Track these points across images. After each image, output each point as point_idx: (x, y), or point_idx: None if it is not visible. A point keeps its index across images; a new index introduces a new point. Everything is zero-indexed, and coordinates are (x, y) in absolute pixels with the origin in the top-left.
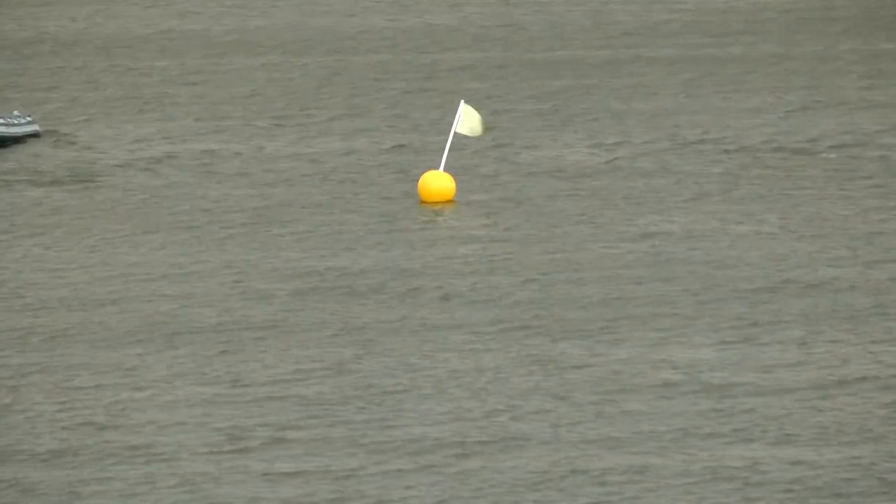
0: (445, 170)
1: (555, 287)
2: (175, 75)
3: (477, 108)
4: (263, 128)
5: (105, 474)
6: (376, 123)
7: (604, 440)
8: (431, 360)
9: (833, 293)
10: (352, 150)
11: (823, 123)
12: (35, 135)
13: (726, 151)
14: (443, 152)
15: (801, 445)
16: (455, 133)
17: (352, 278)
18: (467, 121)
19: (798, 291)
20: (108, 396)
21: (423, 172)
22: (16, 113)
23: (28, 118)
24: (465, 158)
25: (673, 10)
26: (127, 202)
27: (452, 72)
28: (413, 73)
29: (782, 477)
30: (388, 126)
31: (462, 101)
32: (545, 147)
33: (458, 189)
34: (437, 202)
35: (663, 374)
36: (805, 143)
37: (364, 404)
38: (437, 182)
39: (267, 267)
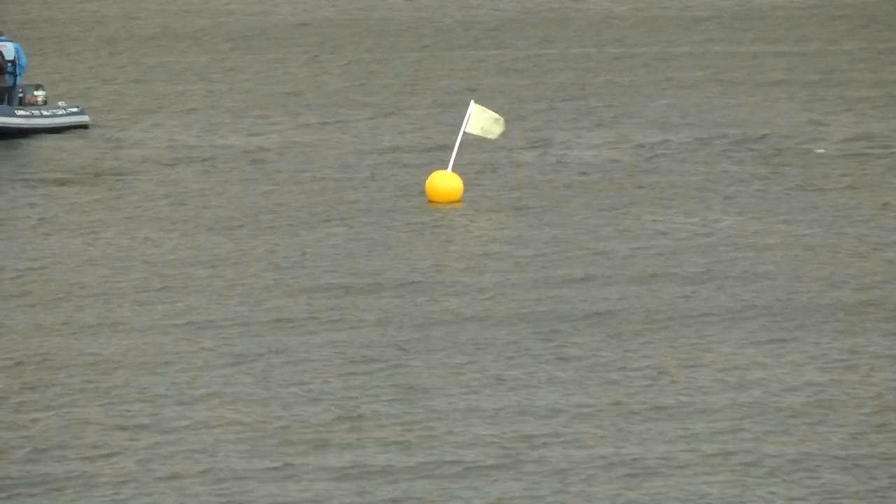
0: (456, 169)
1: (583, 289)
2: (216, 71)
3: (490, 108)
4: (300, 126)
5: (144, 471)
6: (410, 122)
7: (644, 448)
8: (468, 362)
9: (860, 295)
10: (386, 148)
11: (855, 123)
12: (83, 126)
13: (755, 151)
14: (458, 153)
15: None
16: (465, 133)
17: (381, 280)
18: (478, 121)
19: (828, 293)
20: (147, 394)
21: (437, 172)
22: (61, 104)
23: (75, 109)
24: (488, 157)
25: (710, 8)
26: (163, 199)
27: (480, 68)
28: (445, 69)
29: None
30: (420, 125)
31: (472, 101)
32: (572, 144)
33: (486, 188)
34: (444, 202)
35: (700, 383)
36: (836, 143)
37: (405, 406)
38: (444, 182)
39: (302, 268)
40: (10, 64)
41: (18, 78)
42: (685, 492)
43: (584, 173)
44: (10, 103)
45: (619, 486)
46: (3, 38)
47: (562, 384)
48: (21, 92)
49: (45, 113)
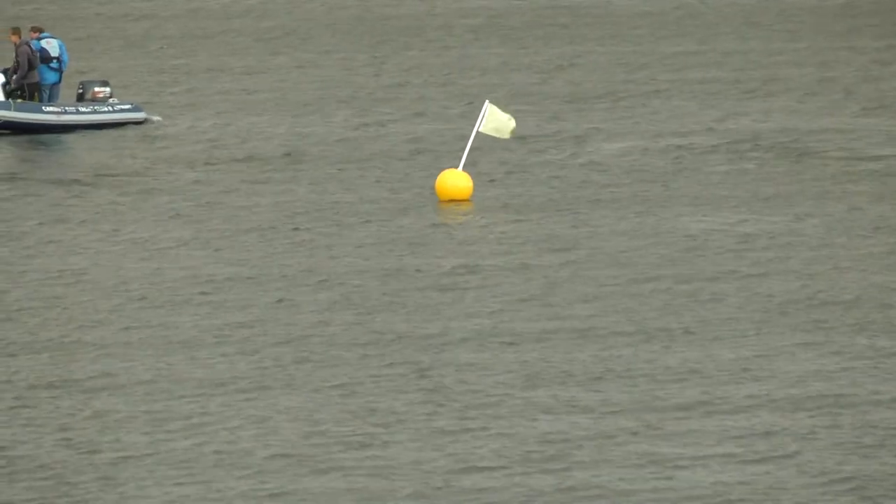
0: (469, 168)
1: (610, 290)
2: (261, 71)
3: (504, 109)
4: (333, 125)
5: (181, 481)
6: (426, 120)
7: (680, 451)
8: (508, 366)
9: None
10: (401, 147)
11: (883, 124)
12: (138, 122)
13: (782, 152)
14: (471, 152)
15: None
16: (479, 133)
17: (407, 285)
18: (492, 121)
19: (860, 295)
20: (187, 404)
21: (450, 172)
22: (111, 100)
23: (127, 105)
24: (504, 157)
25: (738, 6)
26: (188, 202)
27: (498, 67)
28: (463, 67)
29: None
30: (437, 123)
31: (487, 101)
32: (592, 145)
33: (501, 189)
34: (454, 201)
35: (734, 384)
36: (864, 145)
37: (446, 411)
38: (453, 181)
39: (324, 272)
40: (55, 60)
41: (61, 75)
42: (725, 496)
43: (603, 174)
44: (51, 100)
45: (653, 489)
46: (45, 34)
47: (595, 384)
48: (81, 88)
49: (83, 110)
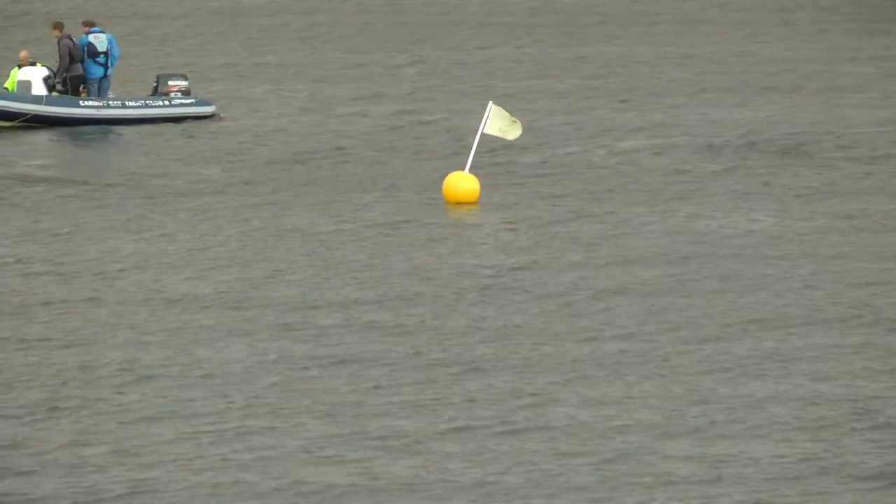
0: (475, 170)
1: (630, 294)
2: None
3: (509, 110)
4: (372, 128)
5: (211, 484)
6: (431, 120)
7: (722, 453)
8: (536, 368)
9: None
10: (406, 147)
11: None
12: (205, 117)
13: (797, 153)
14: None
15: None
16: (483, 134)
17: (424, 289)
18: (497, 122)
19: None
20: (215, 409)
21: (454, 173)
22: (172, 94)
23: (190, 100)
24: (509, 158)
25: (751, 8)
26: (212, 207)
27: (505, 66)
28: (467, 67)
29: None
30: (441, 124)
31: (490, 102)
32: (600, 146)
33: (507, 190)
34: (462, 203)
35: (779, 384)
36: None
37: (478, 416)
38: (461, 183)
39: (339, 277)
40: (102, 55)
41: (110, 69)
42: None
43: (612, 174)
44: (101, 93)
45: (700, 493)
46: (95, 29)
47: (632, 393)
48: (156, 81)
49: (130, 104)
